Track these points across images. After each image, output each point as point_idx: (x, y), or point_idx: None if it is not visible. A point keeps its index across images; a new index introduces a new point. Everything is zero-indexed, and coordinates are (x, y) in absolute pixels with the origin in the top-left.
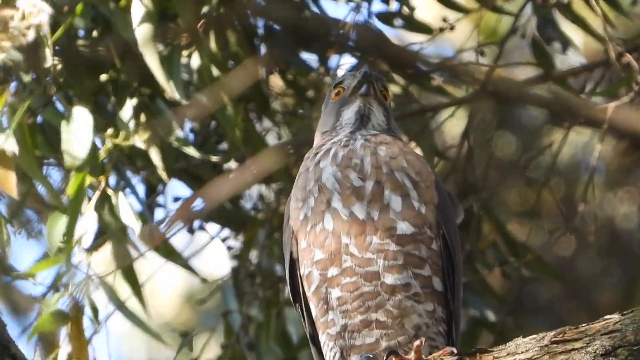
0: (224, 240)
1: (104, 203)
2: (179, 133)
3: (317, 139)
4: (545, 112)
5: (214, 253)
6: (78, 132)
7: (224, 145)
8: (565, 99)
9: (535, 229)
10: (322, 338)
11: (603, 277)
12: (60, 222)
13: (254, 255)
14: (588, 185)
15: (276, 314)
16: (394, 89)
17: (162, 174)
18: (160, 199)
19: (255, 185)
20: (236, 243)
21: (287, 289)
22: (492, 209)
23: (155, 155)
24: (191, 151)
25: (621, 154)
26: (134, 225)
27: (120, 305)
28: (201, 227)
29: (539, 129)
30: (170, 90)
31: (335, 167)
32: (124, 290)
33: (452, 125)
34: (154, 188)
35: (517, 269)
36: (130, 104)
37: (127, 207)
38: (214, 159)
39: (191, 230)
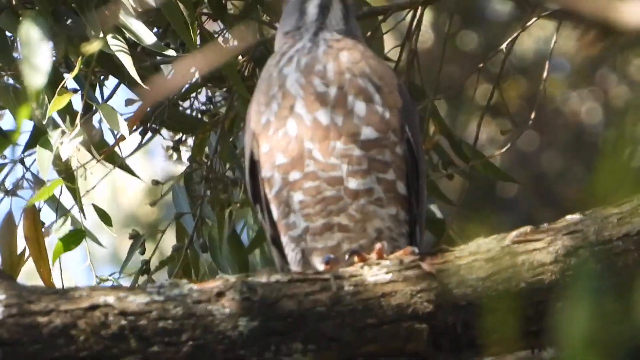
0: (176, 143)
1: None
2: (147, 39)
3: (279, 40)
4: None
5: (168, 157)
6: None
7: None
8: None
9: (499, 126)
10: (284, 240)
11: (567, 173)
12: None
13: (205, 158)
14: (546, 80)
15: (229, 216)
16: None
17: (138, 80)
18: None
19: (205, 89)
20: (187, 147)
21: (248, 190)
22: (437, 110)
23: (126, 60)
24: (170, 52)
25: (587, 45)
26: (123, 129)
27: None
28: (155, 131)
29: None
30: None
31: (299, 73)
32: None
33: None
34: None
35: (465, 172)
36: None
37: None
38: (173, 53)
39: (144, 132)
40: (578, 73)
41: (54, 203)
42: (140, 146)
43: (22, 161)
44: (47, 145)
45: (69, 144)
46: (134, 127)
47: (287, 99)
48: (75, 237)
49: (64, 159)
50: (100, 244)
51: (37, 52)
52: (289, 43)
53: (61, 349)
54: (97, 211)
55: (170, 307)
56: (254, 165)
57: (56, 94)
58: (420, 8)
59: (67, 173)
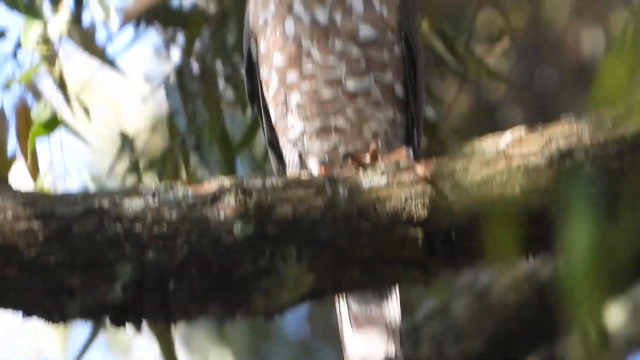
0: (168, 40)
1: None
2: None
3: None
4: None
5: (157, 55)
6: None
7: None
8: None
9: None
10: (281, 142)
11: (563, 94)
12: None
13: (197, 55)
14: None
15: (218, 114)
16: None
17: None
18: None
19: None
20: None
21: (246, 90)
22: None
23: None
24: None
25: None
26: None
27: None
28: (149, 24)
29: None
30: None
31: None
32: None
33: None
34: None
35: (459, 72)
36: None
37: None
38: None
39: (137, 27)
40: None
41: (38, 97)
42: (133, 41)
43: (15, 55)
44: (34, 17)
45: (55, 25)
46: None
47: None
48: (52, 122)
49: (51, 38)
50: (78, 135)
51: None
52: None
53: (56, 254)
54: (78, 102)
55: (165, 211)
56: (252, 66)
57: None
58: None
59: (52, 60)
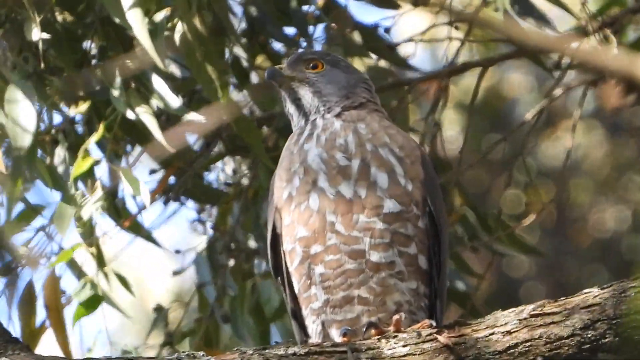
0: (199, 213)
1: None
2: (173, 102)
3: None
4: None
5: (190, 229)
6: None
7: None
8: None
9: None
10: (305, 312)
11: (590, 280)
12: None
13: (228, 228)
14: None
15: (251, 287)
16: (368, 62)
17: (165, 144)
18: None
19: (229, 158)
20: (210, 217)
21: (270, 263)
22: (463, 183)
23: (152, 125)
24: (193, 116)
25: (614, 98)
26: (145, 197)
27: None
28: (178, 201)
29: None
30: (158, 60)
31: (321, 148)
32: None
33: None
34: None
35: (489, 245)
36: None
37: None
38: (198, 117)
39: (167, 202)
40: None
41: (76, 270)
42: (166, 216)
43: (44, 231)
44: (68, 202)
45: (90, 205)
46: (157, 196)
47: (308, 174)
48: (93, 301)
49: (84, 218)
50: (120, 310)
51: (22, 113)
52: (304, 126)
53: None
54: (117, 277)
55: None
56: (276, 238)
57: (78, 158)
58: (444, 80)
59: (89, 238)
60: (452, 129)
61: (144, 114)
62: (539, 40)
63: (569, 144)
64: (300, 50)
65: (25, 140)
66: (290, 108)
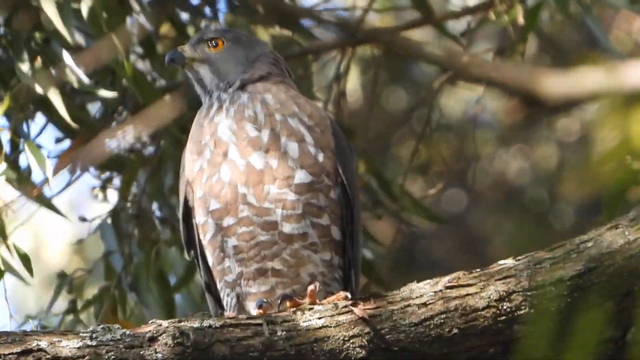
0: (104, 182)
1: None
2: (81, 77)
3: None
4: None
5: (92, 196)
6: None
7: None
8: (456, 56)
9: (427, 185)
10: (220, 285)
11: (495, 233)
12: None
13: (133, 197)
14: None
15: (155, 255)
16: (272, 32)
17: (68, 120)
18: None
19: (133, 127)
20: (114, 187)
21: (182, 236)
22: (368, 152)
23: (57, 102)
24: (104, 93)
25: (512, 111)
26: (47, 171)
27: None
28: (84, 170)
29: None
30: (67, 34)
31: (230, 120)
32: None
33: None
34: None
35: (395, 212)
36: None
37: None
38: (111, 95)
39: (73, 173)
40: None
41: None
42: (68, 184)
43: None
44: None
45: None
46: (62, 168)
47: (219, 146)
48: None
49: None
50: (23, 280)
51: None
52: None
53: None
54: (18, 253)
55: (103, 351)
56: (189, 211)
57: None
58: (350, 49)
59: None
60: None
61: (50, 90)
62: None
63: (470, 97)
64: (203, 26)
65: None
66: (195, 87)
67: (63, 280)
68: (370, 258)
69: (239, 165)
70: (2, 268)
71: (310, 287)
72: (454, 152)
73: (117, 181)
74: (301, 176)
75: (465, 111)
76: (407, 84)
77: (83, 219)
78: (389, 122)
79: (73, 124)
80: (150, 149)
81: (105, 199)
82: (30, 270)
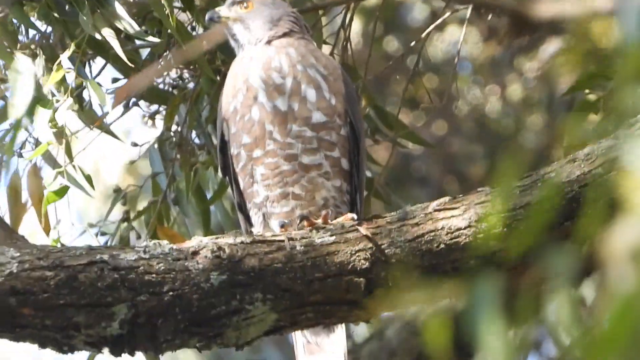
0: (151, 114)
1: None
2: (134, 26)
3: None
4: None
5: (142, 123)
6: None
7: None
8: None
9: (416, 116)
10: (249, 205)
11: (472, 155)
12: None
13: (175, 126)
14: (455, 76)
15: (194, 174)
16: None
17: (125, 59)
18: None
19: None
20: (161, 117)
21: (219, 164)
22: (368, 88)
23: (116, 45)
24: (152, 39)
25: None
26: (106, 105)
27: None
28: (135, 104)
29: (420, 30)
30: None
31: (260, 69)
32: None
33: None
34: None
35: (390, 138)
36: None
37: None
38: (155, 40)
39: (127, 107)
40: (481, 72)
41: (51, 162)
42: (122, 114)
43: (26, 128)
44: (46, 106)
45: (63, 109)
46: (120, 102)
47: (250, 91)
48: (62, 190)
49: (59, 122)
50: (87, 193)
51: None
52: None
53: (65, 297)
54: (82, 172)
55: (154, 263)
56: (224, 144)
57: (53, 70)
58: (353, 3)
59: (60, 136)
60: (359, 38)
61: (108, 35)
62: None
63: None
64: None
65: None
66: (230, 41)
67: (118, 194)
68: (370, 176)
69: (267, 107)
70: (69, 183)
71: (324, 212)
72: (438, 88)
73: (162, 113)
74: (317, 117)
75: (449, 54)
76: (400, 32)
77: (135, 144)
78: (385, 64)
79: (129, 63)
80: (189, 86)
81: (154, 126)
82: (92, 185)
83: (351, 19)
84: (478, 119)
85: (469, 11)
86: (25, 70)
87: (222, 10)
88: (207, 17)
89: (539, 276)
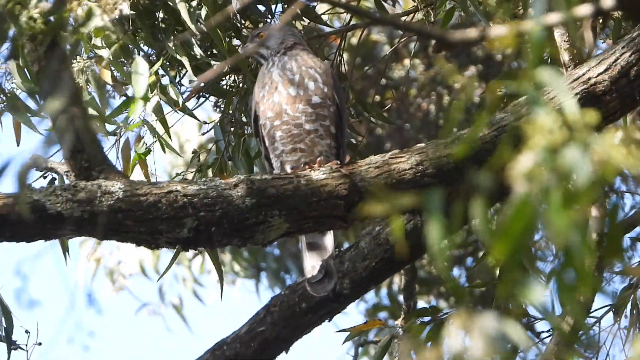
0: (215, 103)
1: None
2: (198, 51)
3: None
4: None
5: (213, 110)
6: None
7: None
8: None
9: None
10: (272, 156)
11: (419, 138)
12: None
13: (230, 111)
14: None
15: (242, 141)
16: (303, 24)
17: (189, 70)
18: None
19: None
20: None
21: (253, 130)
22: (354, 88)
23: (187, 64)
24: (214, 63)
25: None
26: (181, 99)
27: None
28: (203, 97)
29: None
30: (193, 27)
31: (279, 70)
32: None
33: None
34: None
35: (367, 118)
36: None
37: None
38: (214, 62)
39: (198, 98)
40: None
41: (152, 131)
42: (198, 106)
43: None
44: (144, 99)
45: (155, 97)
46: (192, 96)
47: (273, 83)
48: (146, 152)
49: (150, 107)
50: (175, 151)
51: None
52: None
53: (153, 213)
54: (166, 144)
55: (210, 191)
56: (257, 117)
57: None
58: (346, 34)
59: (158, 113)
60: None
61: (183, 57)
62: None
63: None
64: (260, 26)
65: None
66: (259, 59)
67: (195, 154)
68: (353, 142)
69: (283, 93)
70: (151, 148)
71: (319, 159)
72: (395, 95)
73: (223, 102)
74: (315, 99)
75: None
76: (372, 60)
77: (204, 122)
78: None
79: (200, 77)
80: (240, 86)
81: (218, 111)
82: (172, 149)
83: (343, 42)
84: (423, 118)
85: (415, 45)
86: (142, 69)
87: (249, 46)
88: (242, 50)
89: (469, 193)
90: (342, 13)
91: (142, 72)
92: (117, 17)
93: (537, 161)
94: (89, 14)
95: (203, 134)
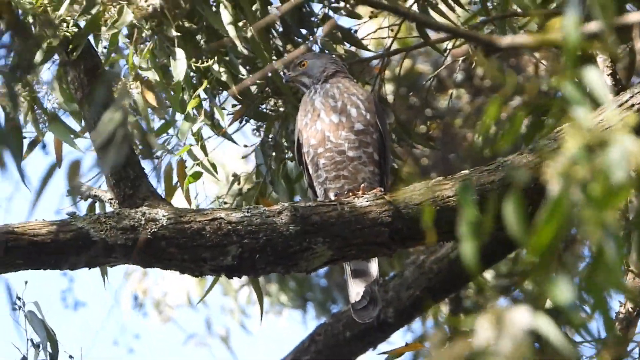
0: (257, 127)
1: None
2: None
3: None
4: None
5: (254, 134)
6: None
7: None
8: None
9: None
10: (315, 184)
11: (464, 163)
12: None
13: (271, 135)
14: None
15: (283, 165)
16: (344, 47)
17: (235, 92)
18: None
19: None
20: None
21: (296, 158)
22: (395, 113)
23: (231, 84)
24: (252, 78)
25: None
26: (226, 122)
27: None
28: (245, 120)
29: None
30: (240, 46)
31: (321, 97)
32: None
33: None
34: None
35: (408, 143)
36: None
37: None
38: (257, 79)
39: (241, 122)
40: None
41: (192, 157)
42: (239, 128)
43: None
44: (187, 120)
45: (198, 122)
46: (236, 119)
47: (315, 111)
48: (196, 175)
49: (194, 130)
50: (215, 177)
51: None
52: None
53: (197, 240)
54: (210, 165)
55: (254, 219)
56: (300, 145)
57: (192, 99)
58: (386, 58)
59: (198, 139)
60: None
61: (229, 80)
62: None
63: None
64: (301, 52)
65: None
66: (301, 87)
67: (235, 178)
68: (396, 167)
69: (326, 121)
70: (203, 170)
71: (362, 185)
72: (439, 124)
73: (264, 127)
74: (358, 126)
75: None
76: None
77: (246, 146)
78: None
79: (238, 96)
80: (280, 110)
81: (259, 135)
82: (216, 171)
83: (384, 68)
84: (468, 147)
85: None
86: (180, 55)
87: (291, 73)
88: (283, 79)
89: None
90: (385, 38)
91: (180, 58)
92: (148, 14)
93: (574, 160)
94: (120, 12)
95: (244, 157)
